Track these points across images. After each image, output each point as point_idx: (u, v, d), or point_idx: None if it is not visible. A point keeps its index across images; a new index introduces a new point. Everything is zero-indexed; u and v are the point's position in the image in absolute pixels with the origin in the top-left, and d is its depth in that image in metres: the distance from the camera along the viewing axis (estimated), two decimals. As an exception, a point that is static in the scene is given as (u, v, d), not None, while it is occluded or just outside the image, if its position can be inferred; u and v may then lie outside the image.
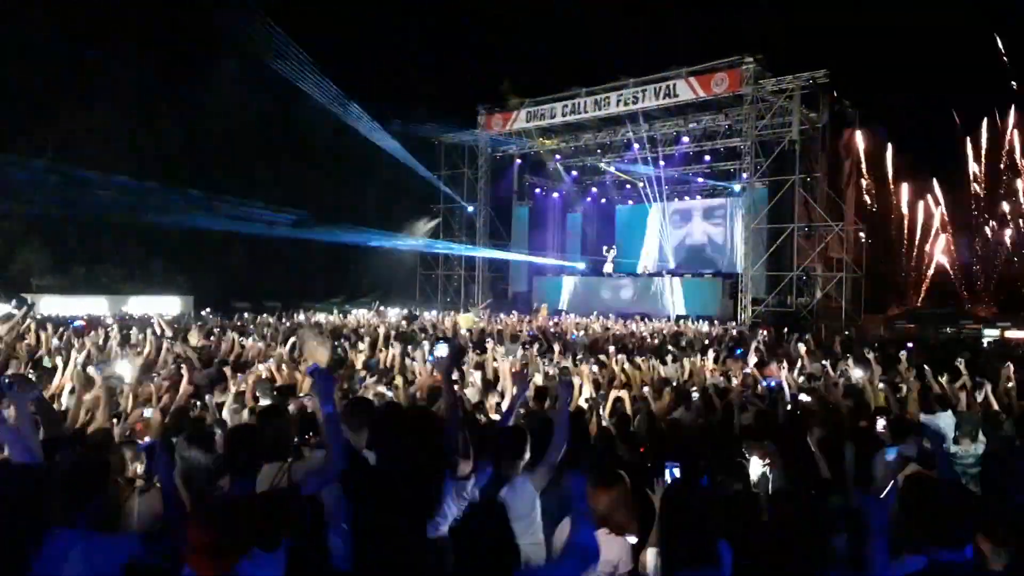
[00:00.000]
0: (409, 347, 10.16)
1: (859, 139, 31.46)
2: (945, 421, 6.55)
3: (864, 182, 34.58)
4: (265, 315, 20.35)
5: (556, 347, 11.75)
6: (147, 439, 4.17)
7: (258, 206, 38.79)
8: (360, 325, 18.57)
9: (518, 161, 35.35)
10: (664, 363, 10.51)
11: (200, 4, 34.16)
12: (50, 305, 27.25)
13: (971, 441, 5.96)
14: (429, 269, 37.21)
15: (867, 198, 35.29)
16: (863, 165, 34.81)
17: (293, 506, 3.10)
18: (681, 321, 24.36)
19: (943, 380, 7.98)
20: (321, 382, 3.24)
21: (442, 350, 4.40)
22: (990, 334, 21.53)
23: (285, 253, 38.90)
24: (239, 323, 18.53)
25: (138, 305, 28.77)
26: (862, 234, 27.11)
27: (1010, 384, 8.22)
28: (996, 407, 7.02)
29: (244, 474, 3.25)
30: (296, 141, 41.57)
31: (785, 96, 25.43)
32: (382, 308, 28.22)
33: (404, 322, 19.22)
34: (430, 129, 37.55)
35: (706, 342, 15.21)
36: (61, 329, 11.84)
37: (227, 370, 8.35)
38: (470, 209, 35.80)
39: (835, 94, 26.87)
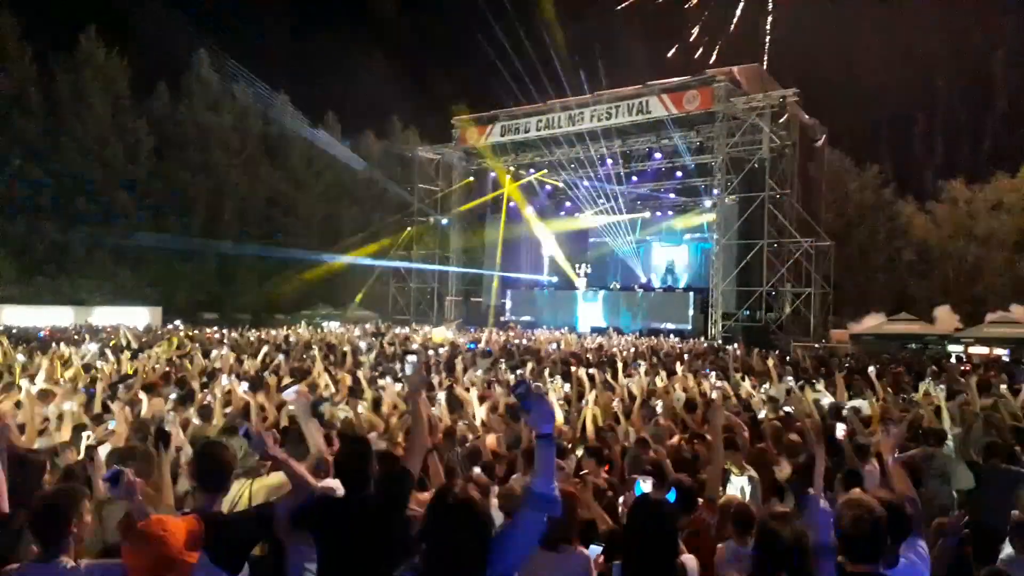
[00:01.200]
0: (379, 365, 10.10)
1: (828, 157, 32.07)
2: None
3: (833, 198, 35.16)
4: (236, 330, 20.09)
5: (529, 363, 11.74)
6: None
7: (229, 219, 38.46)
8: (330, 339, 18.41)
9: (492, 174, 35.42)
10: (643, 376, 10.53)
11: (175, 18, 33.87)
12: (14, 315, 26.69)
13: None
14: (402, 282, 37.04)
15: (836, 214, 35.88)
16: (832, 182, 35.39)
17: (257, 528, 3.07)
18: (657, 336, 24.58)
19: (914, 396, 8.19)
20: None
21: (410, 364, 4.34)
22: (955, 350, 21.89)
23: (256, 265, 38.44)
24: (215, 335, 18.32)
25: (104, 316, 28.25)
26: (831, 250, 27.53)
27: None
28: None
29: (211, 491, 3.18)
30: (270, 154, 41.31)
31: (756, 114, 25.85)
32: (352, 323, 28.05)
33: (372, 338, 19.06)
34: (405, 142, 37.63)
35: (685, 357, 15.28)
36: (22, 345, 11.60)
37: (195, 384, 8.26)
38: (444, 222, 35.78)
39: (804, 113, 27.46)
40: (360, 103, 40.98)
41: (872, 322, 28.36)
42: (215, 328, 21.83)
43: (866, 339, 25.67)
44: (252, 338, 18.03)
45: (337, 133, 41.70)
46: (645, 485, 3.75)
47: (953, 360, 18.07)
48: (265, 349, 12.81)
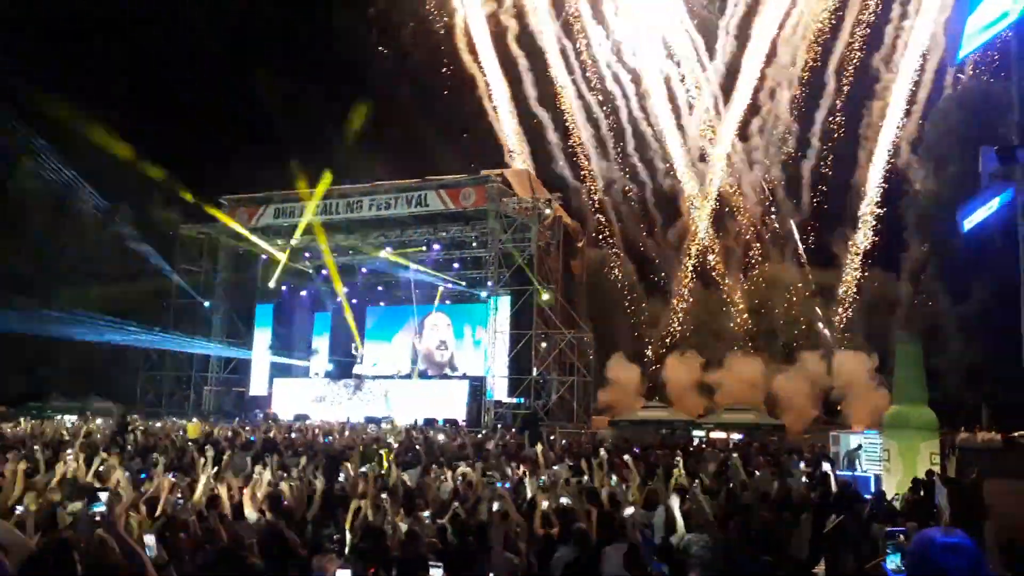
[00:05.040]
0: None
1: (587, 255, 35.04)
2: (659, 517, 7.11)
3: (592, 294, 38.06)
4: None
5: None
6: None
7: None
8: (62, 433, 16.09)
9: (263, 257, 33.95)
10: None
11: None
12: None
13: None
14: (155, 369, 33.63)
15: (596, 307, 38.69)
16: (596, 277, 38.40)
17: None
18: (433, 424, 24.52)
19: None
20: None
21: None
22: (698, 435, 24.25)
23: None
24: None
25: None
26: (591, 341, 29.67)
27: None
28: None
29: None
30: (6, 220, 36.10)
31: (524, 214, 27.73)
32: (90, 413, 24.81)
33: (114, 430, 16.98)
34: (167, 218, 35.01)
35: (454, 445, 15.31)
36: None
37: None
38: (207, 304, 33.39)
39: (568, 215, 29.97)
40: (118, 173, 37.50)
41: (629, 409, 30.73)
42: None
43: (623, 425, 27.72)
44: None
45: (88, 204, 37.65)
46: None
47: (696, 443, 20.00)
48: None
